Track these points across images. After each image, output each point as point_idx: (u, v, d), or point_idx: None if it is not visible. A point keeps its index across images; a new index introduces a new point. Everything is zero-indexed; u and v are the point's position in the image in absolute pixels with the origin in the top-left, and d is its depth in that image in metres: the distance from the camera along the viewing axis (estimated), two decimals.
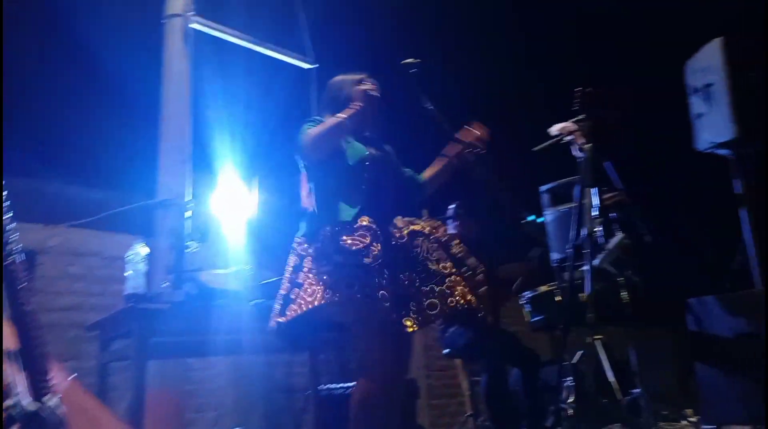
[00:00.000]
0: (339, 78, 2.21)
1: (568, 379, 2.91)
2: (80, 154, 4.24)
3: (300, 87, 4.50)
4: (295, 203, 2.25)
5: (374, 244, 1.88)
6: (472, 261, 2.01)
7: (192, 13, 3.89)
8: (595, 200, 2.29)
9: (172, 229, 3.51)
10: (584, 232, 2.07)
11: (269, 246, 4.53)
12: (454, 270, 1.93)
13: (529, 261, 3.15)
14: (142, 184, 3.80)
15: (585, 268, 2.39)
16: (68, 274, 4.34)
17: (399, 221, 1.98)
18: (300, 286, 1.90)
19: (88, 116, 4.02)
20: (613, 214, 3.17)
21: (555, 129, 2.33)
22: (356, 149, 2.09)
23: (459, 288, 1.89)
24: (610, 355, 3.18)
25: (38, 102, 3.96)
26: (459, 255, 2.01)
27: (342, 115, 1.97)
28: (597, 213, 2.26)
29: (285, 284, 1.97)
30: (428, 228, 2.00)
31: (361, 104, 1.97)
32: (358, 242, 1.88)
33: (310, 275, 1.89)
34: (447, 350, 3.26)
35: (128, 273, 2.59)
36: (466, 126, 2.10)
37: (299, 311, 1.86)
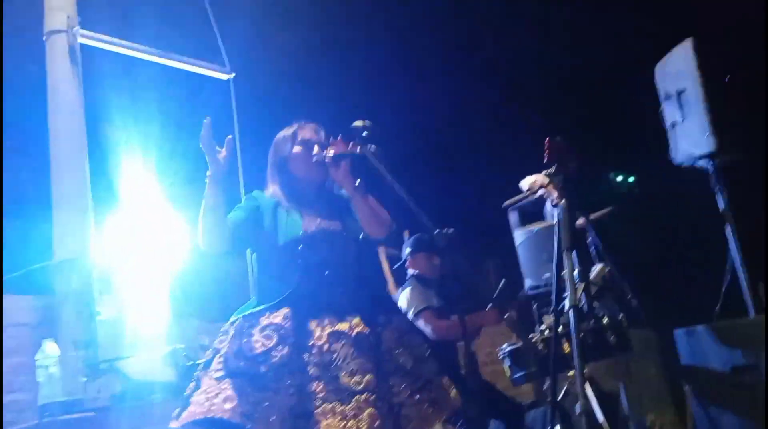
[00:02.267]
0: (278, 137, 2.19)
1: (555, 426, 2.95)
2: None
3: (221, 99, 4.38)
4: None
5: (279, 346, 1.87)
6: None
7: (77, 27, 3.65)
8: (576, 265, 2.32)
9: (76, 295, 3.32)
10: (566, 303, 2.09)
11: (209, 297, 4.38)
12: (369, 386, 1.88)
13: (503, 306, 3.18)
14: (36, 240, 3.56)
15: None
16: None
17: (325, 320, 1.95)
18: (199, 386, 1.89)
19: None
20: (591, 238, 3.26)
21: (526, 183, 2.34)
22: (291, 226, 2.04)
23: (367, 411, 1.84)
24: (598, 391, 3.27)
25: None
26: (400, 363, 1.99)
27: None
28: (579, 279, 2.29)
29: (192, 380, 1.95)
30: (358, 328, 1.96)
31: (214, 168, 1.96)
32: (260, 344, 1.87)
33: (206, 379, 1.89)
34: None
35: (39, 379, 2.44)
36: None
37: (190, 418, 1.83)
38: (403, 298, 3.38)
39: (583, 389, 2.11)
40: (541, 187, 2.28)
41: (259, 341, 1.87)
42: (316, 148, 2.07)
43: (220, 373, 1.85)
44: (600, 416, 3.06)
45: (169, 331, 4.03)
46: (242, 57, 4.25)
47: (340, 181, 2.02)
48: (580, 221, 2.95)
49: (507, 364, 2.98)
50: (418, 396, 1.96)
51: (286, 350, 1.86)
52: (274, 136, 2.22)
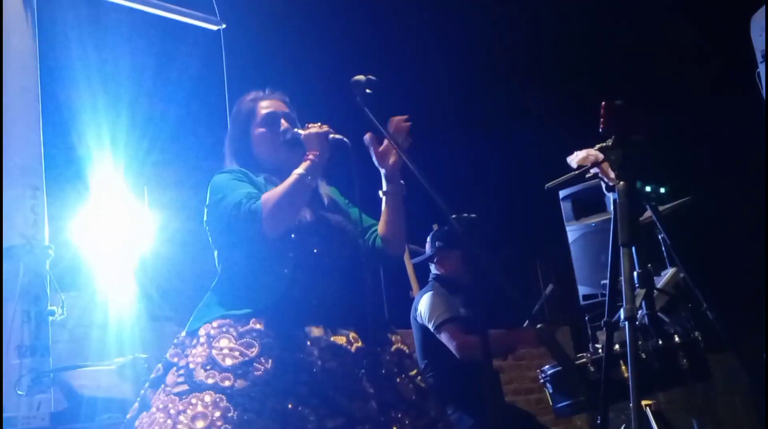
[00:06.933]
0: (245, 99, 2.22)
1: None
2: None
3: (209, 53, 4.38)
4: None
5: (262, 358, 1.85)
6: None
7: None
8: (637, 266, 2.25)
9: (24, 289, 3.33)
10: (621, 314, 2.02)
11: (177, 295, 4.37)
12: (372, 415, 1.89)
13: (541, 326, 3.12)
14: None
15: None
16: None
17: (315, 330, 1.94)
18: (147, 408, 1.87)
19: None
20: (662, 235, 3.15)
21: (575, 159, 2.25)
22: None
23: None
24: (666, 428, 3.17)
25: None
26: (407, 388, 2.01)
27: (300, 170, 1.98)
28: (640, 284, 2.22)
29: (136, 402, 1.94)
30: (357, 344, 1.97)
31: (317, 152, 2.00)
32: (236, 354, 1.85)
33: (162, 396, 1.85)
34: None
35: None
36: None
37: None
38: (424, 303, 3.32)
39: (639, 424, 2.03)
40: (594, 164, 2.19)
41: (236, 350, 1.86)
42: (284, 123, 2.12)
43: (183, 388, 1.83)
44: None
45: (141, 337, 4.04)
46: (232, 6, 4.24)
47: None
48: (647, 214, 2.85)
49: (549, 390, 2.91)
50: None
51: (270, 364, 1.85)
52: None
